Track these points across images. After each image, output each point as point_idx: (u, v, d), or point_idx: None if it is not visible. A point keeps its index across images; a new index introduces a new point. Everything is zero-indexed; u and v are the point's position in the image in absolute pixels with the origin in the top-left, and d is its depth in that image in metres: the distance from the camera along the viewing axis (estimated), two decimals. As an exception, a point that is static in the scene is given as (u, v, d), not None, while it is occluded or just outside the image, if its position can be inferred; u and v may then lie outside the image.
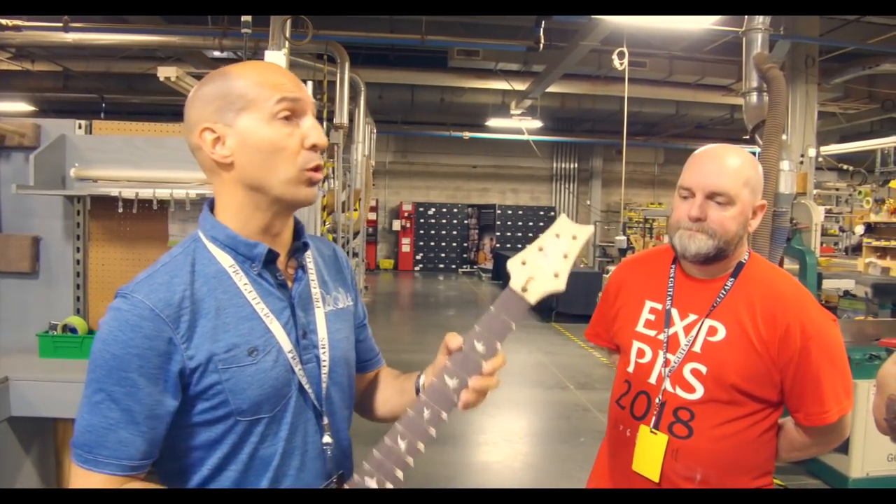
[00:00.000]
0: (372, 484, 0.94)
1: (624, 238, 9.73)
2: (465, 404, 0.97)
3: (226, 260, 1.03)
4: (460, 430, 4.95)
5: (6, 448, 2.56)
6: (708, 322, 1.44)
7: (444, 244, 18.17)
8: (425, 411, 0.96)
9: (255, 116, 1.00)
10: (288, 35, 4.55)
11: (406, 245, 17.90)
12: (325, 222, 6.86)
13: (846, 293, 5.55)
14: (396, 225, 17.80)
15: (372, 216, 17.01)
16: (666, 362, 1.46)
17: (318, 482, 1.07)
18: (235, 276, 1.02)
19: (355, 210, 9.51)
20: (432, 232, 18.05)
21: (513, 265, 0.97)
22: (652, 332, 1.51)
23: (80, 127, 2.76)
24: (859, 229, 8.94)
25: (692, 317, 1.47)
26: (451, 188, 18.46)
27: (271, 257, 1.05)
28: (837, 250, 10.33)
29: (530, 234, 17.89)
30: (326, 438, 1.08)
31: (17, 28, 7.11)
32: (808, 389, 1.39)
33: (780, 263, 4.69)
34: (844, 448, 3.88)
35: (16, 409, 2.38)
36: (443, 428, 0.96)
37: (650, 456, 1.45)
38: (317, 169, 1.03)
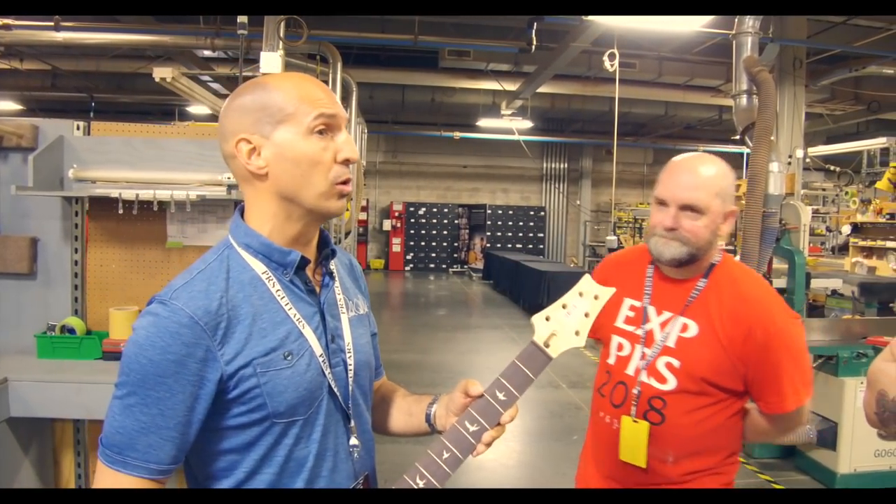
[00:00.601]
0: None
1: (614, 238, 9.79)
2: (477, 453, 1.06)
3: (259, 267, 1.05)
4: (454, 428, 4.98)
5: (5, 449, 2.57)
6: (681, 320, 1.56)
7: (434, 244, 18.19)
8: (444, 454, 1.02)
9: (292, 130, 1.03)
10: (282, 35, 4.55)
11: (396, 245, 17.91)
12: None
13: (833, 292, 5.62)
14: (387, 225, 17.81)
15: (362, 216, 16.99)
16: (642, 356, 1.59)
17: (348, 483, 1.11)
18: (269, 283, 1.05)
19: (346, 210, 9.52)
20: (423, 232, 18.07)
21: (537, 320, 1.04)
22: (630, 328, 1.63)
23: (78, 128, 2.76)
24: (846, 229, 9.03)
25: (667, 314, 1.59)
26: (441, 188, 18.49)
27: (303, 264, 1.08)
28: (824, 250, 10.44)
29: (520, 234, 17.97)
30: (353, 440, 1.12)
31: (7, 27, 7.07)
32: (769, 382, 1.51)
33: (770, 264, 4.76)
34: (833, 444, 3.95)
35: (14, 410, 2.38)
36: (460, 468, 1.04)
37: (635, 444, 1.56)
38: (346, 182, 1.06)
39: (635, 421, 1.56)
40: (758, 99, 3.99)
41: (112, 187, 2.59)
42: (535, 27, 7.43)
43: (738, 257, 4.05)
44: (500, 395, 1.03)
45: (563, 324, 1.02)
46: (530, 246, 17.87)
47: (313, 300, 1.09)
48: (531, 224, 18.18)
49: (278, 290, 1.05)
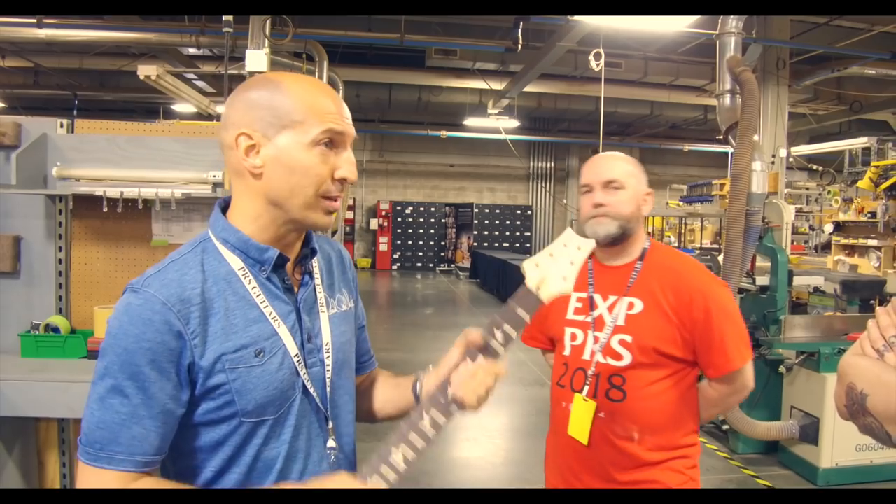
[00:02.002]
0: (397, 455, 1.00)
1: (600, 236, 9.82)
2: (467, 395, 1.04)
3: (235, 262, 1.03)
4: (441, 427, 4.99)
5: (-12, 449, 2.55)
6: (627, 299, 1.68)
7: (421, 243, 18.19)
8: (449, 390, 1.04)
9: (296, 138, 1.00)
10: (268, 34, 4.53)
11: (383, 244, 17.89)
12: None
13: (816, 290, 5.69)
14: (374, 224, 17.78)
15: (349, 215, 16.98)
16: (595, 339, 1.69)
17: None
18: (244, 279, 1.03)
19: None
20: (410, 231, 18.06)
21: (528, 266, 1.09)
22: (581, 318, 1.74)
23: (61, 126, 2.74)
24: (828, 228, 9.14)
25: (613, 297, 1.70)
26: (428, 187, 18.49)
27: (281, 262, 1.06)
28: (807, 248, 10.55)
29: (507, 233, 18.01)
30: (331, 443, 1.09)
31: (-12, 24, 6.99)
32: (715, 345, 1.62)
33: (753, 261, 4.81)
34: (814, 439, 4.00)
35: (-1, 410, 2.36)
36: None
37: (581, 420, 1.66)
38: (335, 199, 1.04)
39: (585, 400, 1.66)
40: (741, 98, 4.03)
41: (96, 185, 2.57)
42: (521, 27, 7.45)
43: (721, 256, 4.09)
44: (498, 335, 1.06)
45: (551, 270, 1.08)
46: (517, 245, 17.91)
47: (290, 298, 1.07)
48: (518, 223, 18.22)
49: (254, 288, 1.03)
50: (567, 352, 1.75)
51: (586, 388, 1.66)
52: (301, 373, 1.05)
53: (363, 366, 1.31)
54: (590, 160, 1.77)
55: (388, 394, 1.27)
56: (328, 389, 1.10)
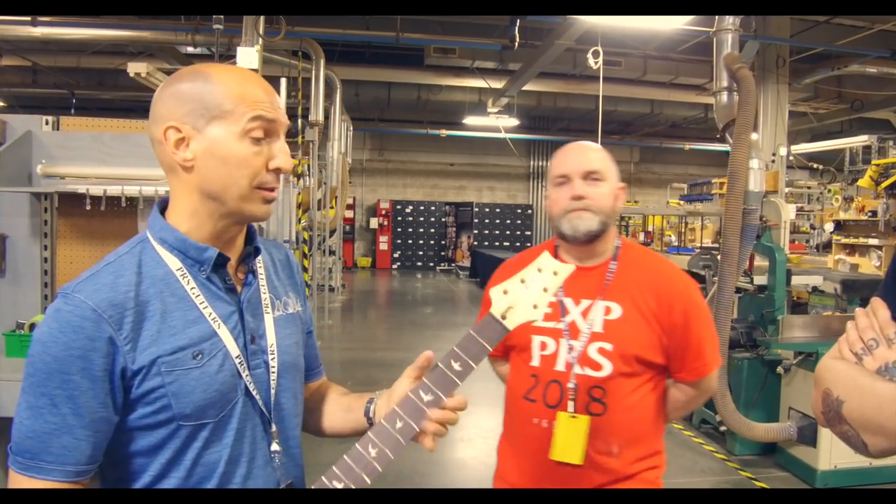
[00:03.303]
0: (339, 487, 0.94)
1: (599, 236, 9.79)
2: (427, 429, 1.00)
3: (174, 262, 1.01)
4: (436, 427, 4.95)
5: (-29, 450, 2.51)
6: (603, 303, 1.56)
7: (421, 242, 18.18)
8: (398, 423, 0.98)
9: (227, 129, 0.98)
10: (261, 31, 4.50)
11: (384, 243, 17.87)
12: (300, 220, 6.83)
13: (815, 289, 5.65)
14: (374, 223, 17.77)
15: (349, 214, 16.94)
16: (570, 348, 1.55)
17: None
18: (183, 280, 1.00)
19: (331, 208, 9.48)
20: (410, 230, 18.05)
21: (495, 293, 1.03)
22: (550, 324, 1.58)
23: (46, 123, 2.72)
24: (829, 227, 9.09)
25: (586, 301, 1.58)
26: (427, 186, 18.47)
27: (221, 261, 1.03)
28: (809, 247, 10.50)
29: (507, 232, 17.99)
30: (275, 446, 1.06)
31: (-17, 22, 6.97)
32: (692, 349, 1.56)
33: (751, 260, 4.77)
34: (813, 441, 3.96)
35: (-19, 410, 2.33)
36: (411, 440, 0.99)
37: (572, 440, 1.51)
38: (272, 189, 1.03)
39: (573, 416, 1.51)
40: (738, 95, 3.99)
41: (81, 183, 2.55)
42: (517, 24, 7.42)
43: (719, 256, 4.05)
44: (456, 366, 0.99)
45: (521, 297, 1.02)
46: (517, 244, 17.88)
47: (232, 299, 1.04)
48: (518, 222, 18.20)
49: (193, 288, 1.00)
50: (535, 362, 1.59)
51: (571, 404, 1.52)
52: (243, 374, 1.02)
53: (311, 374, 1.26)
54: (563, 149, 1.67)
55: (338, 415, 1.23)
56: (273, 392, 1.06)
